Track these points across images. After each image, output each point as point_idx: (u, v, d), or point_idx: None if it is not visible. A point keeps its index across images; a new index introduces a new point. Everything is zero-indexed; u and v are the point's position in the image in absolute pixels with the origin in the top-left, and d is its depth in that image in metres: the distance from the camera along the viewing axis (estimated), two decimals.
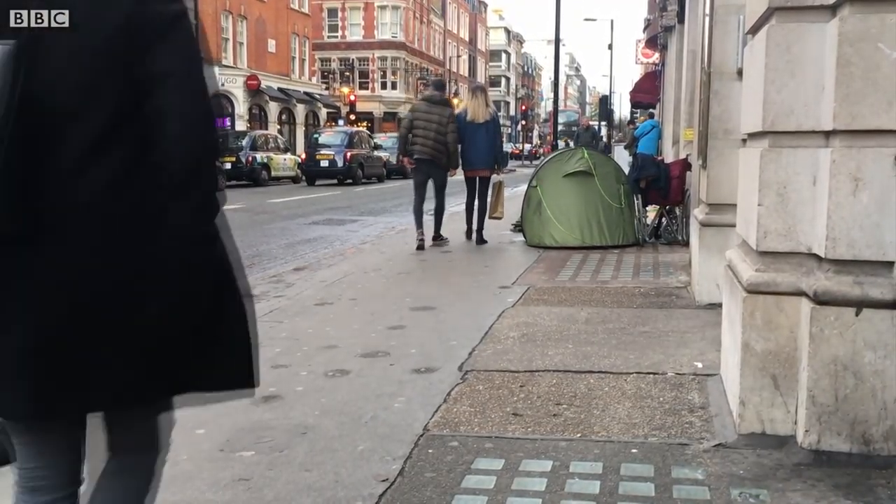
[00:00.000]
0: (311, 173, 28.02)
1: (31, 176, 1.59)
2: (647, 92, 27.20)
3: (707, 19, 6.03)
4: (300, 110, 44.15)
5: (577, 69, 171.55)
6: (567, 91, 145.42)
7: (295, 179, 29.48)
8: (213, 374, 1.78)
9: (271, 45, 41.70)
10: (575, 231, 9.66)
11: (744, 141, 5.86)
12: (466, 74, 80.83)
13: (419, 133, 9.91)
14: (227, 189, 15.05)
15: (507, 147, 58.93)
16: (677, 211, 9.86)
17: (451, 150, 9.86)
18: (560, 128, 59.02)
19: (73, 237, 1.62)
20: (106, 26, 1.66)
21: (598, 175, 9.92)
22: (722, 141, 5.81)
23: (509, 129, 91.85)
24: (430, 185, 10.35)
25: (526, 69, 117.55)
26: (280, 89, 41.43)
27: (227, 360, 1.79)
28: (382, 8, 60.55)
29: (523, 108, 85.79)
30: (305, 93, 45.15)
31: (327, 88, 52.58)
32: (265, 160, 27.79)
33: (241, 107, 37.40)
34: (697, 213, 6.26)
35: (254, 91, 38.07)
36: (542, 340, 5.02)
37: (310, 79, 47.83)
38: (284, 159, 29.56)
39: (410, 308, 6.31)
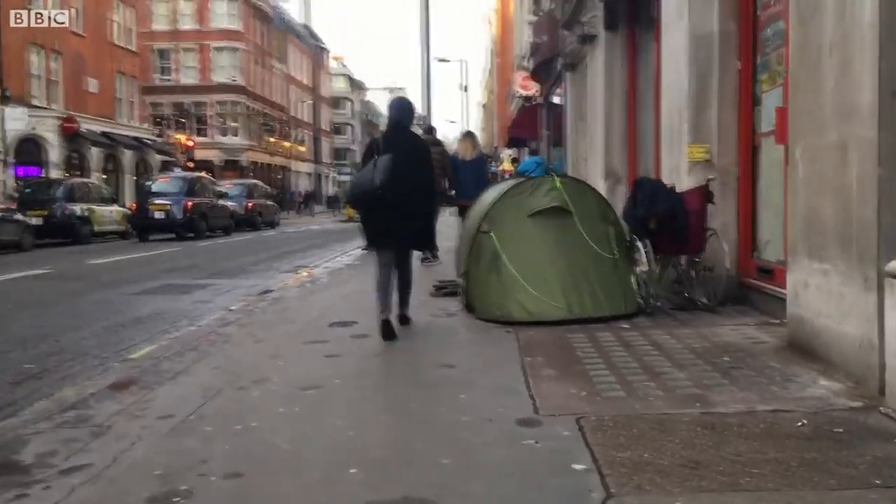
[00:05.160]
0: (143, 227, 23.56)
1: (396, 184, 5.87)
2: (527, 128, 24.77)
3: None
4: (128, 157, 38.81)
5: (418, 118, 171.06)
6: None
7: (124, 235, 24.84)
8: (424, 243, 6.96)
9: (92, 84, 36.47)
10: (557, 297, 6.41)
11: None
12: (310, 121, 77.18)
13: None
14: (36, 248, 10.20)
15: None
16: (694, 260, 6.84)
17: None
18: None
19: (405, 204, 5.97)
20: (410, 150, 6.18)
21: (578, 213, 6.77)
22: None
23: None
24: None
25: (369, 117, 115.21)
26: (104, 133, 36.22)
27: (425, 241, 6.83)
28: (219, 50, 56.13)
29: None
30: (134, 138, 39.92)
31: (160, 135, 47.42)
32: (86, 213, 23.09)
33: (55, 153, 32.02)
34: None
35: (71, 135, 32.85)
36: None
37: (139, 123, 42.67)
38: (110, 211, 24.89)
39: None
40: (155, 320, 8.30)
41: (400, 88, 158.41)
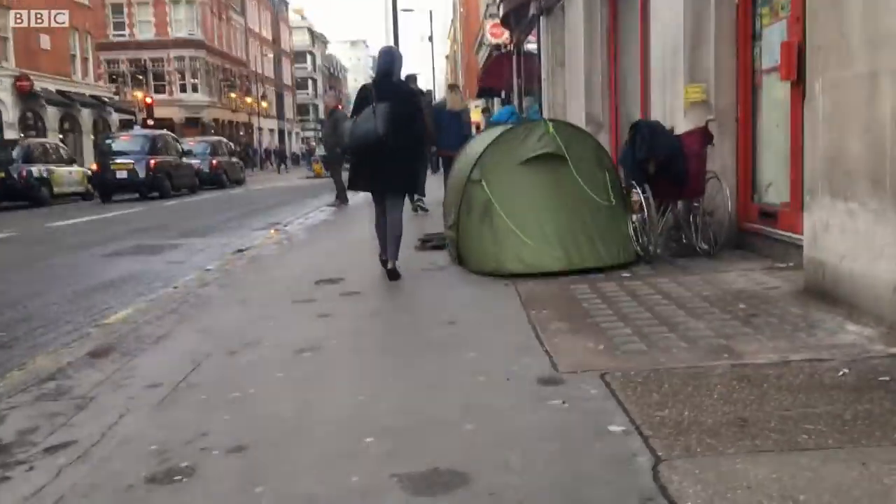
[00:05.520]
0: (105, 187, 22.80)
1: (392, 132, 6.08)
2: (498, 77, 24.31)
3: None
4: (86, 116, 37.66)
5: None
6: None
7: (85, 196, 24.11)
8: (410, 187, 6.84)
9: (45, 41, 35.08)
10: (554, 247, 6.15)
11: None
12: (272, 76, 75.63)
13: None
14: None
15: (320, 153, 54.40)
16: (693, 205, 6.60)
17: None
18: None
19: (392, 152, 6.09)
20: (404, 99, 6.25)
21: (573, 158, 6.49)
22: None
23: (319, 132, 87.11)
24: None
25: (332, 71, 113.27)
26: (60, 92, 35.05)
27: (411, 185, 6.79)
28: (176, 3, 54.40)
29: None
30: (92, 96, 38.70)
31: (118, 92, 46.04)
32: (44, 174, 22.33)
33: (9, 113, 30.91)
34: None
35: (26, 94, 31.72)
36: None
37: (96, 81, 41.33)
38: (70, 172, 24.11)
39: (396, 480, 2.56)
40: (128, 283, 7.92)
41: (363, 41, 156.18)
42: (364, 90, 6.43)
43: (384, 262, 6.56)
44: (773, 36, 6.19)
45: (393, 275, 6.40)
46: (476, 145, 7.12)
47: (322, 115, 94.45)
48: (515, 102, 21.87)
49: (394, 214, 6.46)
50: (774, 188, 6.35)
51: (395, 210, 6.47)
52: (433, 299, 5.69)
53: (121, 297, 7.06)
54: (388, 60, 6.45)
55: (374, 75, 6.60)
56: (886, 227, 3.76)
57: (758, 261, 6.10)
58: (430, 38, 45.97)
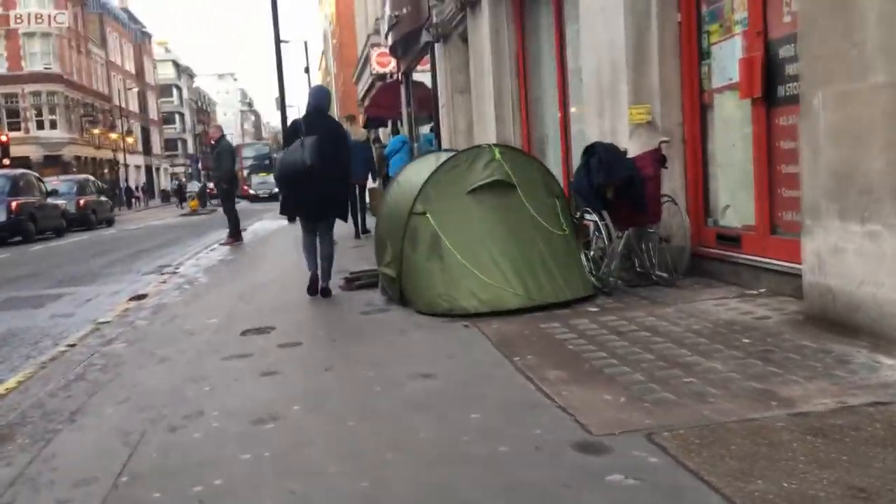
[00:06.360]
0: None
1: (320, 162, 6.64)
2: (387, 107, 23.76)
3: None
4: None
5: (251, 104, 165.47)
6: (243, 128, 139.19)
7: None
8: (342, 214, 7.32)
9: None
10: (513, 283, 5.63)
11: None
12: (137, 111, 72.52)
13: None
14: None
15: (195, 186, 52.20)
16: (648, 231, 6.23)
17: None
18: (250, 162, 53.94)
19: (326, 180, 6.67)
20: (331, 133, 6.93)
21: (522, 186, 6.03)
22: None
23: (189, 168, 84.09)
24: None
25: (200, 104, 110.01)
26: None
27: (343, 213, 7.35)
28: (29, 35, 51.12)
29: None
30: None
31: None
32: None
33: None
34: None
35: None
36: None
37: None
38: None
39: None
40: (11, 343, 6.87)
41: (231, 74, 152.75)
42: (294, 124, 7.09)
43: (315, 280, 7.08)
44: (725, 53, 5.95)
45: (325, 292, 7.07)
46: (414, 174, 6.54)
47: (191, 150, 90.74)
48: (405, 131, 21.45)
49: (325, 240, 7.18)
50: (734, 211, 6.08)
51: (326, 235, 7.20)
52: (390, 347, 5.03)
53: (6, 362, 6.06)
54: (322, 95, 7.32)
55: (307, 109, 7.22)
56: None
57: (724, 288, 5.78)
58: (307, 70, 45.06)
